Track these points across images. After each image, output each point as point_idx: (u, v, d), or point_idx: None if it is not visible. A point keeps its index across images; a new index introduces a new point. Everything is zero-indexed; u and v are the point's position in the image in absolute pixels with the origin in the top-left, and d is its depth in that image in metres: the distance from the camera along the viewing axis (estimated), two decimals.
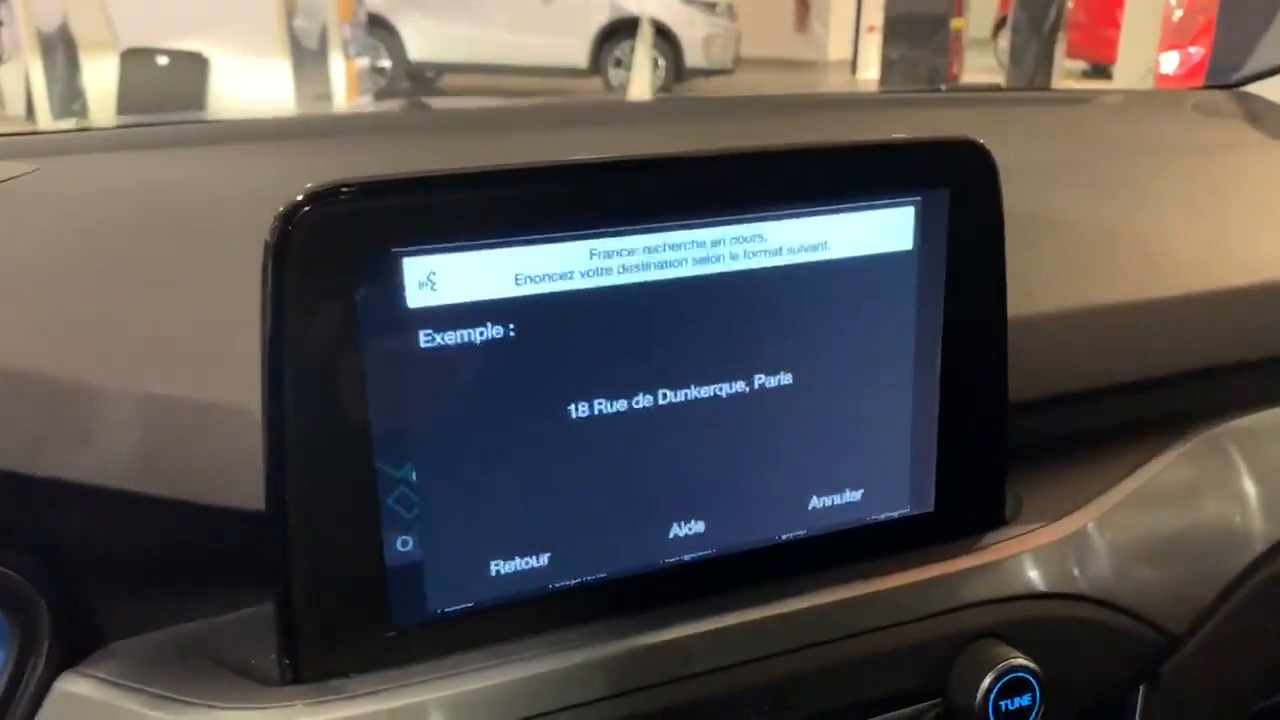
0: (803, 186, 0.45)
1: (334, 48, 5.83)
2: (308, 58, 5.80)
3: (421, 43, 7.37)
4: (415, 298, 0.40)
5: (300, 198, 0.38)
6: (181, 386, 0.44)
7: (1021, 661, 0.48)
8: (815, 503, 0.49)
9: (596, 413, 0.44)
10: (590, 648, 0.45)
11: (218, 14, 5.61)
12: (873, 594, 0.49)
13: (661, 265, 0.44)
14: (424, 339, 0.41)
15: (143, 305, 0.47)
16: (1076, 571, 0.52)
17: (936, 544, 0.52)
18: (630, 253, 0.43)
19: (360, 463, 0.41)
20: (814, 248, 0.46)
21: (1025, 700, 0.48)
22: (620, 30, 7.33)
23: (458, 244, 0.40)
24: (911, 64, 5.47)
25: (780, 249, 0.45)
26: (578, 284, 0.42)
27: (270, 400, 0.39)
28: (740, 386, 0.46)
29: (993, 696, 0.47)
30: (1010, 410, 0.56)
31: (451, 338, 0.41)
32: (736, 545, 0.48)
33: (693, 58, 7.54)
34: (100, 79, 5.28)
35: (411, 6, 7.27)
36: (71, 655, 0.43)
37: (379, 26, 7.04)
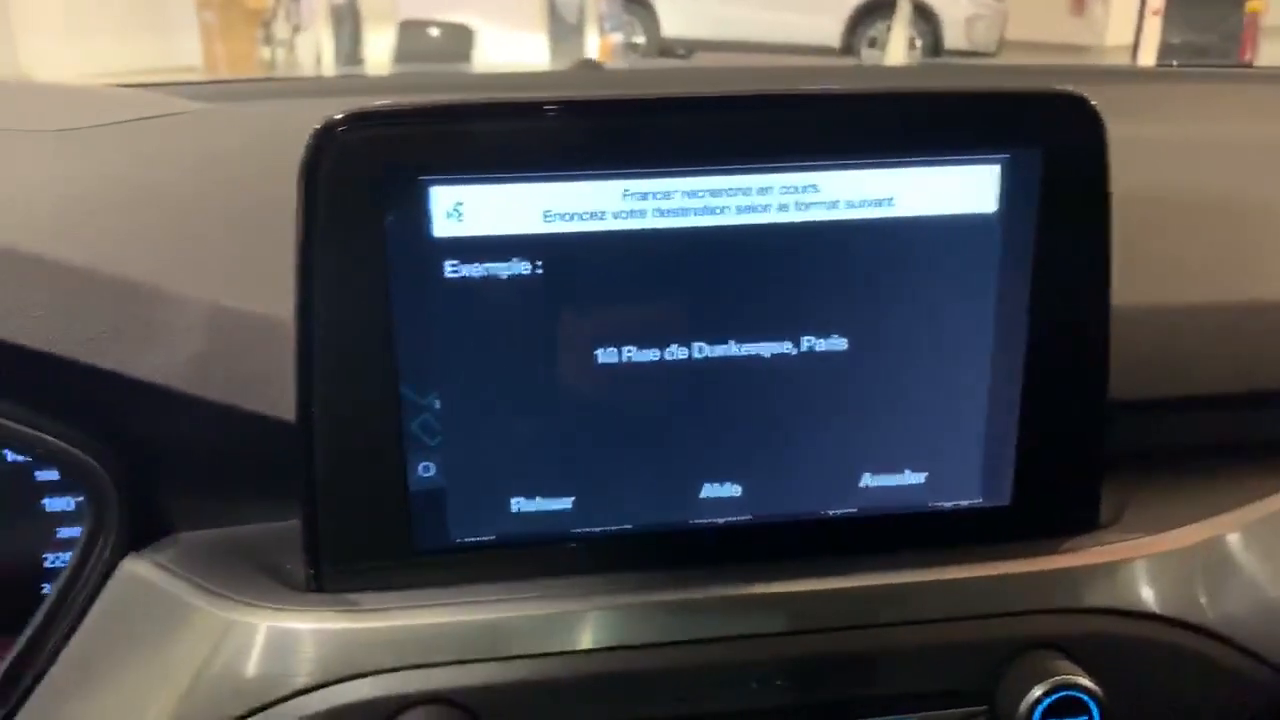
0: (865, 136, 0.42)
1: (590, 23, 6.00)
2: (566, 32, 6.01)
3: (676, 19, 7.43)
4: (441, 227, 0.41)
5: (330, 121, 0.39)
6: (255, 302, 0.47)
7: (1081, 680, 0.43)
8: (869, 480, 0.46)
9: (625, 360, 0.43)
10: (607, 596, 0.44)
11: None
12: (924, 583, 0.45)
13: (701, 211, 0.42)
14: (449, 269, 0.41)
15: (242, 230, 0.50)
16: (1175, 592, 0.46)
17: (1011, 541, 0.47)
18: (667, 195, 0.41)
19: (385, 386, 0.42)
20: (877, 203, 0.43)
21: None
22: (878, 8, 7.10)
23: (486, 176, 0.40)
24: (1196, 50, 4.96)
25: (837, 202, 0.42)
26: (609, 225, 0.41)
27: (301, 319, 0.41)
28: (786, 347, 0.44)
29: (1039, 711, 0.42)
30: (1139, 409, 0.51)
31: (476, 270, 0.41)
32: (777, 515, 0.46)
33: (953, 38, 7.19)
34: (379, 47, 5.71)
35: None
36: (139, 540, 0.47)
37: (636, 3, 7.18)
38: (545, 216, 0.41)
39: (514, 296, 0.42)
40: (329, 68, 5.74)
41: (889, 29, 6.52)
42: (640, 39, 7.36)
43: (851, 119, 0.42)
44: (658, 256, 0.42)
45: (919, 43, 7.04)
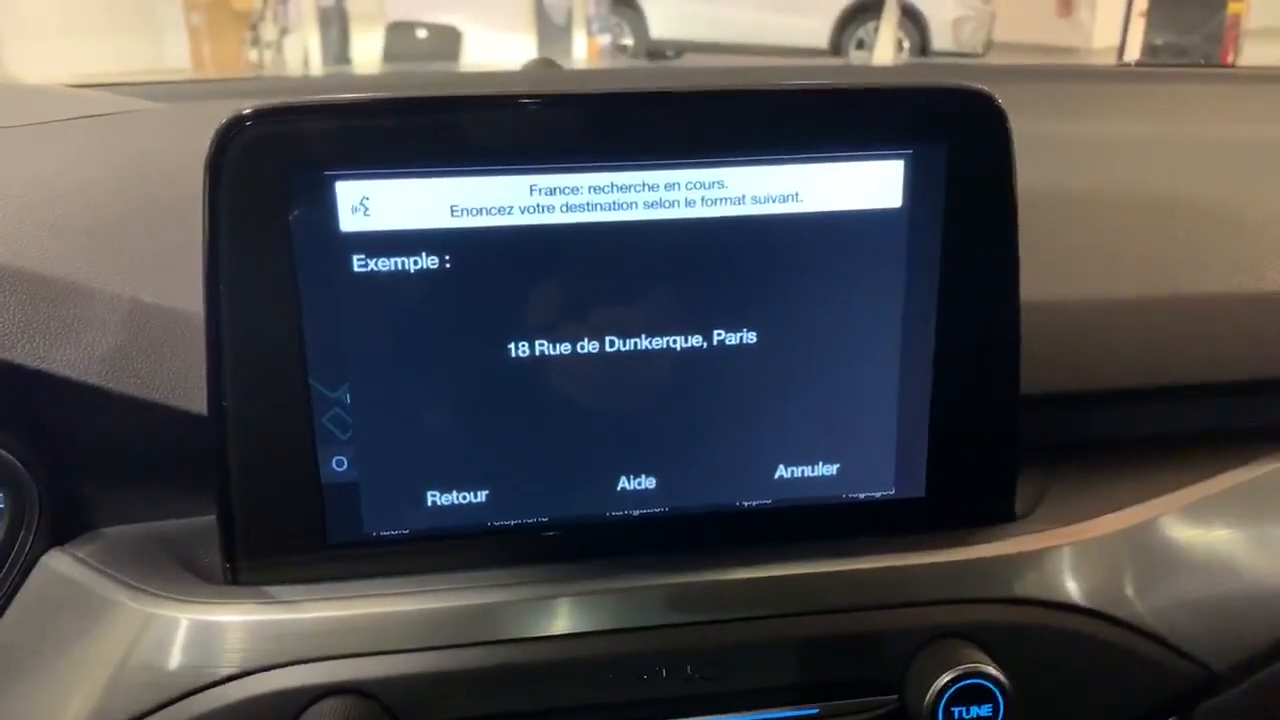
0: (770, 132, 0.43)
1: (578, 24, 6.01)
2: (553, 33, 6.01)
3: (664, 21, 7.44)
4: (348, 222, 0.41)
5: (235, 117, 0.39)
6: (176, 297, 0.47)
7: (986, 668, 0.43)
8: (783, 472, 0.47)
9: (538, 354, 0.43)
10: (521, 588, 0.44)
11: None
12: (837, 573, 0.46)
13: (609, 206, 0.42)
14: (357, 263, 0.41)
15: (167, 226, 0.50)
16: (1087, 582, 0.47)
17: (925, 532, 0.47)
18: (574, 191, 0.42)
19: (295, 380, 0.42)
20: (783, 199, 0.43)
21: (985, 711, 0.43)
22: (865, 10, 7.12)
23: (391, 170, 0.41)
24: (1179, 51, 4.98)
25: (743, 197, 0.43)
26: (517, 220, 0.42)
27: (209, 314, 0.41)
28: (696, 341, 0.44)
29: (945, 699, 0.43)
30: (1055, 403, 0.52)
31: (385, 264, 0.42)
32: (692, 507, 0.46)
33: (940, 40, 7.21)
34: (366, 49, 5.72)
35: None
36: (61, 535, 0.47)
37: (624, 4, 7.19)
38: (453, 211, 0.41)
39: (423, 291, 0.42)
40: (316, 69, 5.75)
41: (876, 31, 6.53)
42: (628, 40, 7.37)
43: (756, 115, 0.43)
44: (566, 251, 0.42)
45: (906, 44, 7.06)
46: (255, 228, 0.40)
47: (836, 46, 7.27)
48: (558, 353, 0.43)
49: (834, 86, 0.43)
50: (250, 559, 0.44)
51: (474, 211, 0.41)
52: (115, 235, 0.49)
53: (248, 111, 0.39)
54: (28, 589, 0.46)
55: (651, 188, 0.42)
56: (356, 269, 0.41)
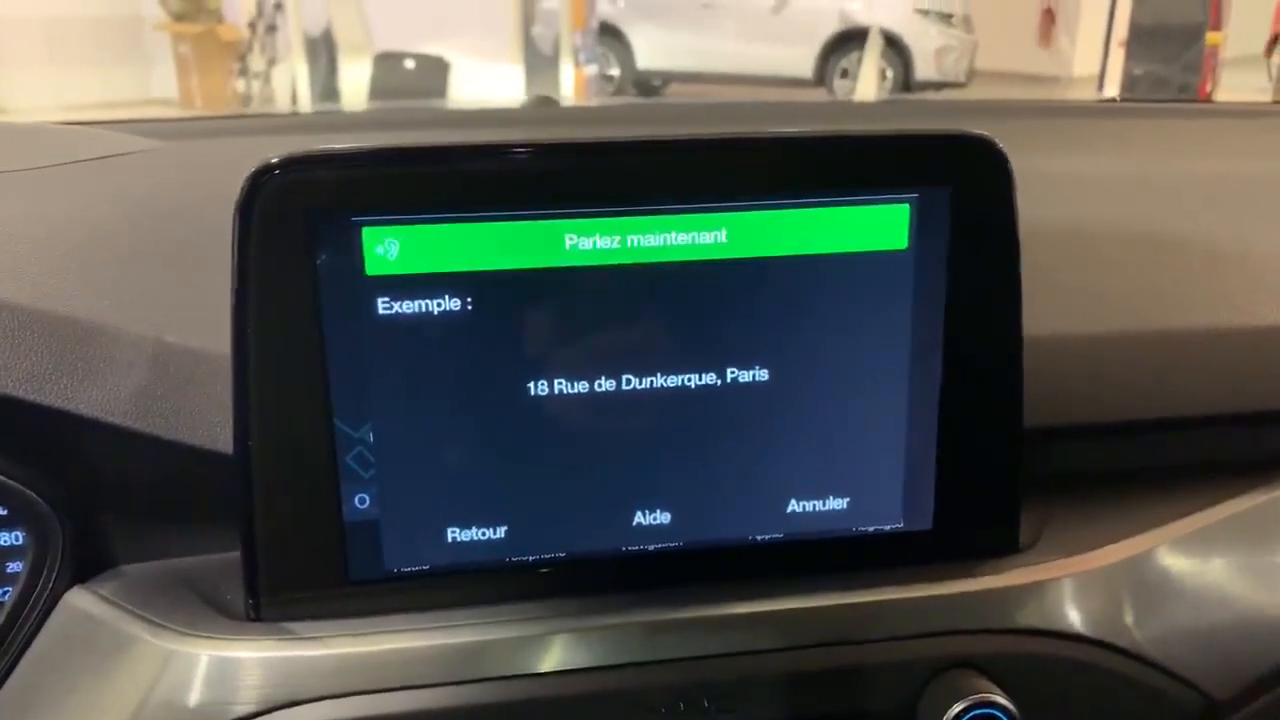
0: (780, 178, 0.44)
1: (564, 55, 6.06)
2: (541, 64, 6.06)
3: (650, 51, 7.52)
4: (374, 265, 0.42)
5: (264, 165, 0.40)
6: (197, 337, 0.48)
7: (997, 698, 0.44)
8: (794, 506, 0.48)
9: (556, 392, 0.44)
10: (540, 623, 0.45)
11: (462, 22, 5.99)
12: (848, 605, 0.47)
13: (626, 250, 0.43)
14: (382, 306, 0.42)
15: (186, 266, 0.51)
16: (1091, 612, 0.48)
17: (933, 564, 0.49)
18: (591, 234, 0.43)
19: (319, 420, 0.43)
20: (793, 241, 0.44)
21: None
22: (849, 40, 7.21)
23: (416, 216, 0.42)
24: (1159, 81, 5.07)
25: (755, 240, 0.44)
26: (537, 263, 0.43)
27: (236, 355, 0.42)
28: (711, 379, 0.45)
29: None
30: (1055, 435, 0.53)
31: (409, 307, 0.43)
32: (706, 541, 0.47)
33: (923, 69, 7.30)
34: (354, 79, 5.74)
35: (643, 16, 7.44)
36: (84, 573, 0.48)
37: (611, 35, 7.26)
38: (475, 255, 0.42)
39: (445, 332, 0.43)
40: (305, 100, 5.77)
41: (860, 61, 6.62)
42: (615, 71, 7.44)
43: (769, 161, 0.44)
44: (584, 292, 0.44)
45: (889, 74, 7.15)
46: (283, 271, 0.41)
47: (820, 77, 7.35)
48: (576, 391, 0.45)
49: (842, 134, 0.44)
50: (272, 595, 0.45)
51: (496, 255, 0.43)
52: (136, 276, 0.50)
53: (276, 160, 0.41)
54: (50, 626, 0.46)
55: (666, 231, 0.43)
56: (381, 311, 0.42)
